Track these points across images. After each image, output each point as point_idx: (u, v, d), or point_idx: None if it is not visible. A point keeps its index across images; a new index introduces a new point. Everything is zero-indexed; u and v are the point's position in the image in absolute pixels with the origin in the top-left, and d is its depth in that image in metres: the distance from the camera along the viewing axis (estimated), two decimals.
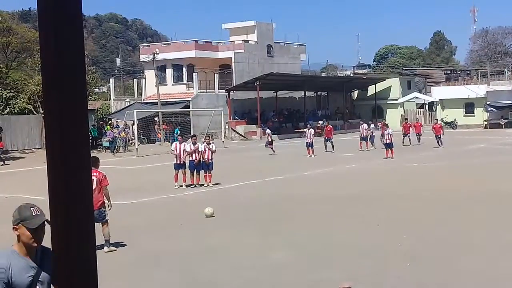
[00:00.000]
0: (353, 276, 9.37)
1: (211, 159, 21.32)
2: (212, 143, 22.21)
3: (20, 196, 20.09)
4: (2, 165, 33.84)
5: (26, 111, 45.97)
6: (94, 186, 11.35)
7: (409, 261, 10.30)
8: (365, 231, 13.00)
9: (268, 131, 37.02)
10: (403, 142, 37.26)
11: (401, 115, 64.40)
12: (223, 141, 42.31)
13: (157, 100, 48.91)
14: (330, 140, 35.39)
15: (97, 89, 68.53)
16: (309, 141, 33.48)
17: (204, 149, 21.26)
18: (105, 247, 11.42)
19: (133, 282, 9.68)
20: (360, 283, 9.05)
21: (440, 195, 17.82)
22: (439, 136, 35.79)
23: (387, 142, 30.18)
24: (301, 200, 17.81)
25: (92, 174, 11.53)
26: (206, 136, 23.55)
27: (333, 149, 34.82)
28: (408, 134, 37.72)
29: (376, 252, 11.02)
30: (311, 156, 32.60)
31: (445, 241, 11.82)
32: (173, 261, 10.89)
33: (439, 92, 64.67)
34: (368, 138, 36.06)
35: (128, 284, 9.48)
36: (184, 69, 56.88)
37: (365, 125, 36.56)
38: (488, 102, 58.51)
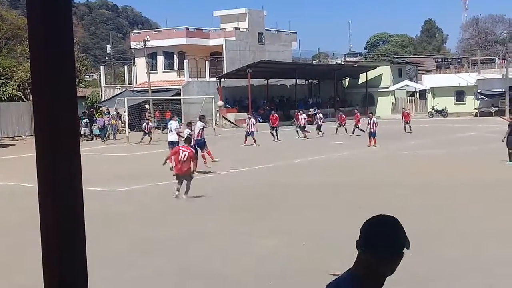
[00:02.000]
0: (343, 263, 9.41)
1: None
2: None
3: (11, 184, 20.06)
4: None
5: (16, 98, 45.78)
6: (185, 159, 16.12)
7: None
8: (354, 218, 13.03)
9: (251, 120, 34.74)
10: (405, 130, 37.89)
11: (393, 103, 64.57)
12: (214, 129, 42.21)
13: (147, 88, 48.75)
14: (276, 129, 36.46)
15: (88, 76, 68.33)
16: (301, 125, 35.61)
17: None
18: (184, 196, 15.90)
19: (123, 269, 9.69)
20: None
21: (429, 183, 17.90)
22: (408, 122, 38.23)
23: (371, 130, 30.38)
24: (291, 188, 17.85)
25: (185, 150, 16.17)
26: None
27: (278, 138, 35.79)
28: (408, 122, 38.43)
29: None
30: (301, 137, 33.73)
31: (433, 229, 11.87)
32: (163, 248, 10.90)
33: (430, 80, 64.85)
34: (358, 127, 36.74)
35: (118, 271, 9.48)
36: (175, 57, 56.68)
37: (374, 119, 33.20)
38: (478, 90, 58.70)
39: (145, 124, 38.67)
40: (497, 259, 9.63)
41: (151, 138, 36.41)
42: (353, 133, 37.19)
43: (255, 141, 32.94)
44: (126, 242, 11.53)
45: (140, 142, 36.11)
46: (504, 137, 22.18)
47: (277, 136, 35.86)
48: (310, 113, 47.96)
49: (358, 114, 39.54)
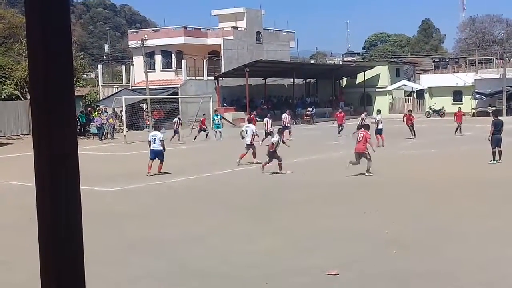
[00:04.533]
0: (340, 263, 9.43)
1: None
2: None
3: (8, 183, 20.04)
4: None
5: (14, 97, 45.68)
6: (360, 139, 19.77)
7: (396, 248, 10.36)
8: (353, 218, 13.06)
9: (270, 120, 34.57)
10: (456, 132, 35.91)
11: (390, 103, 64.59)
12: (212, 128, 42.20)
13: (145, 87, 48.70)
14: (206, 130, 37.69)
15: (85, 75, 68.10)
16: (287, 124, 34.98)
17: None
18: (366, 173, 19.25)
19: (121, 268, 9.68)
20: (347, 269, 9.11)
21: (427, 182, 17.92)
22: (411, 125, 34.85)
23: (377, 128, 30.29)
24: (290, 187, 17.86)
25: (362, 132, 20.26)
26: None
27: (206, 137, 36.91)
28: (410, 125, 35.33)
29: (363, 239, 11.08)
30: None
31: (432, 228, 11.89)
32: (161, 248, 10.90)
33: (427, 80, 64.87)
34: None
35: (117, 271, 9.48)
36: (173, 56, 56.65)
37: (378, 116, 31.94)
38: (476, 90, 58.75)
39: (176, 120, 37.60)
40: (499, 258, 9.64)
41: (179, 136, 36.06)
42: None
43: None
44: (123, 241, 11.52)
45: (171, 140, 34.80)
46: (489, 136, 22.27)
47: (207, 135, 36.98)
48: (307, 112, 47.96)
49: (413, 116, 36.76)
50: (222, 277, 9.06)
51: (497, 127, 22.50)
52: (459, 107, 43.24)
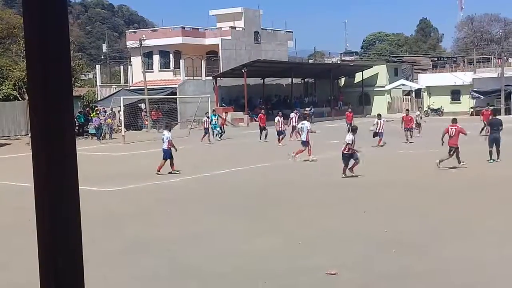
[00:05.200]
0: (340, 262, 9.43)
1: None
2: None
3: (7, 183, 20.03)
4: None
5: (11, 97, 45.65)
6: (453, 134, 20.36)
7: (395, 247, 10.37)
8: (352, 218, 13.07)
9: (280, 119, 33.91)
10: (412, 137, 32.52)
11: (388, 102, 64.58)
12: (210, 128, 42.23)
13: (143, 87, 48.69)
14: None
15: (83, 75, 68.14)
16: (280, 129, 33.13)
17: None
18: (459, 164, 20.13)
19: (120, 268, 9.69)
20: (347, 269, 9.12)
21: (426, 182, 17.95)
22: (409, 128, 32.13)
23: (380, 131, 30.15)
24: (288, 187, 17.86)
25: (453, 127, 20.72)
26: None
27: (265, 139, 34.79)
28: (410, 128, 32.43)
29: (362, 239, 11.10)
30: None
31: (431, 228, 11.91)
32: (160, 248, 10.89)
33: (425, 79, 64.89)
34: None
35: (115, 271, 9.49)
36: (171, 56, 56.59)
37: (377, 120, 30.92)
38: (474, 89, 58.78)
39: (205, 119, 36.93)
40: (497, 258, 9.66)
41: (208, 135, 35.57)
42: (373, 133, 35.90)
43: (281, 139, 32.46)
44: (122, 241, 11.52)
45: (202, 140, 34.82)
46: (481, 132, 22.25)
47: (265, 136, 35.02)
48: (306, 111, 47.86)
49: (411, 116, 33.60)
50: (221, 277, 9.06)
51: (494, 127, 22.50)
52: (407, 110, 37.64)
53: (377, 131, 30.18)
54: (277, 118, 33.72)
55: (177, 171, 21.34)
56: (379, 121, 30.74)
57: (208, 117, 36.87)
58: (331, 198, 15.86)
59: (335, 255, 9.97)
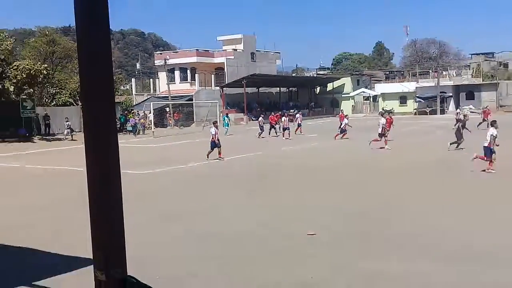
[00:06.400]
0: (318, 225, 9.44)
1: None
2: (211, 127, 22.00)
3: (65, 168, 19.99)
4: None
5: (68, 103, 45.54)
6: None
7: (357, 216, 10.39)
8: (328, 193, 13.07)
9: (286, 118, 32.58)
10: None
11: (352, 105, 64.50)
12: (223, 126, 42.19)
13: (168, 95, 48.63)
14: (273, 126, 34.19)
15: (122, 86, 67.86)
16: (285, 126, 32.22)
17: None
18: None
19: (149, 234, 9.67)
20: (324, 231, 9.12)
21: (386, 166, 17.94)
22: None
23: (343, 127, 29.74)
24: (276, 170, 17.83)
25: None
26: (213, 122, 22.81)
27: (276, 134, 33.51)
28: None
29: (336, 210, 11.10)
30: (287, 138, 31.34)
31: (386, 201, 11.92)
32: (178, 217, 10.88)
33: (380, 88, 64.91)
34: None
35: (145, 236, 9.47)
36: (188, 71, 56.57)
37: (383, 120, 24.77)
38: (417, 95, 58.87)
39: (260, 119, 35.08)
40: (436, 224, 9.66)
41: (276, 131, 33.75)
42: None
43: (289, 135, 31.49)
44: (150, 213, 11.51)
45: (259, 136, 32.74)
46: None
47: (275, 132, 33.77)
48: (291, 113, 47.69)
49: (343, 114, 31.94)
50: (225, 239, 9.04)
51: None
52: (390, 112, 34.54)
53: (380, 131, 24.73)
54: (283, 118, 33.09)
55: (221, 158, 20.61)
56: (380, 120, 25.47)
57: (263, 118, 34.92)
58: (312, 177, 15.82)
59: (315, 222, 9.98)
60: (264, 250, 8.21)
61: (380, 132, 23.98)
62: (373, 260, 7.39)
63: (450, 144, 21.15)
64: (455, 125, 23.78)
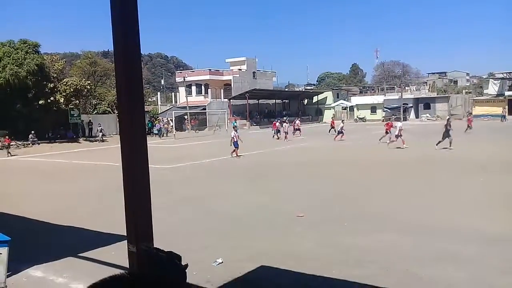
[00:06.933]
0: (306, 209, 9.43)
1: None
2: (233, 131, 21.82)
3: (105, 163, 19.96)
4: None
5: (107, 112, 45.54)
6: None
7: (340, 200, 10.36)
8: (316, 182, 13.04)
9: (287, 124, 31.26)
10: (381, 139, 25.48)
11: (333, 114, 64.36)
12: (226, 130, 42.12)
13: (186, 105, 48.58)
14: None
15: (150, 98, 67.78)
16: (286, 131, 31.31)
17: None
18: None
19: (173, 215, 9.67)
20: (311, 213, 9.12)
21: (362, 162, 17.87)
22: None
23: (339, 130, 29.01)
24: (275, 165, 17.78)
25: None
26: (234, 126, 22.95)
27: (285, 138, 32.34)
28: (389, 132, 25.24)
29: (323, 195, 11.08)
30: (287, 140, 30.37)
31: (361, 188, 11.88)
32: (194, 201, 10.87)
33: (356, 100, 64.85)
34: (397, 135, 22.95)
35: (170, 216, 9.47)
36: (202, 86, 56.54)
37: (399, 123, 23.79)
38: (385, 106, 58.80)
39: (278, 123, 32.88)
40: (408, 206, 9.63)
41: (278, 135, 32.29)
42: (329, 132, 34.13)
43: (286, 137, 30.59)
44: (174, 197, 11.50)
45: (284, 138, 31.02)
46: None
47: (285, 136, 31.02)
48: (283, 119, 47.50)
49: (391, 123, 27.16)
50: (234, 218, 9.06)
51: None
52: (389, 118, 33.53)
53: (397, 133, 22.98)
54: (284, 124, 32.12)
55: (238, 156, 20.34)
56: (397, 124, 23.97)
57: (286, 123, 32.88)
58: (303, 170, 15.77)
59: (304, 205, 9.96)
60: (260, 226, 8.21)
61: (396, 134, 22.80)
62: (348, 235, 7.39)
63: (437, 144, 20.66)
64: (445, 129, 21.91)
